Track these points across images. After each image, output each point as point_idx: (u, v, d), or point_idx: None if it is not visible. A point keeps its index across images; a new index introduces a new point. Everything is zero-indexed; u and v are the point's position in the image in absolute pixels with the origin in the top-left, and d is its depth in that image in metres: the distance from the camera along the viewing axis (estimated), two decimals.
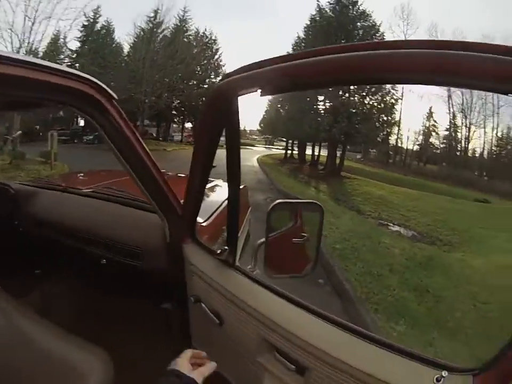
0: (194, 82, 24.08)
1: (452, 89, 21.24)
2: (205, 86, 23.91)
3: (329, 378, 0.72)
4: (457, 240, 7.55)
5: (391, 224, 8.17)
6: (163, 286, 1.21)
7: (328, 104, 16.06)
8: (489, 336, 2.95)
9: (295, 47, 18.61)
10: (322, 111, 16.43)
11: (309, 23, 18.59)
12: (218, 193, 2.01)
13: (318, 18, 18.08)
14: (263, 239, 0.87)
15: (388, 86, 15.77)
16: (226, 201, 0.98)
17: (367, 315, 2.94)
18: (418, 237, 7.52)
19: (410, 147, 23.45)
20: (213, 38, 25.35)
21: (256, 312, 0.82)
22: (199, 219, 1.16)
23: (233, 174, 0.85)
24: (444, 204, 11.15)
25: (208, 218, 1.45)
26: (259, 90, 0.68)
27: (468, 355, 2.28)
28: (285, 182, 10.79)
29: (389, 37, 19.40)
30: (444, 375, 0.62)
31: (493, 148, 21.81)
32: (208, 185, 1.51)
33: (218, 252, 0.93)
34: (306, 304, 0.79)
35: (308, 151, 19.50)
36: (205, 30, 25.11)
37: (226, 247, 0.92)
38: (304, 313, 0.77)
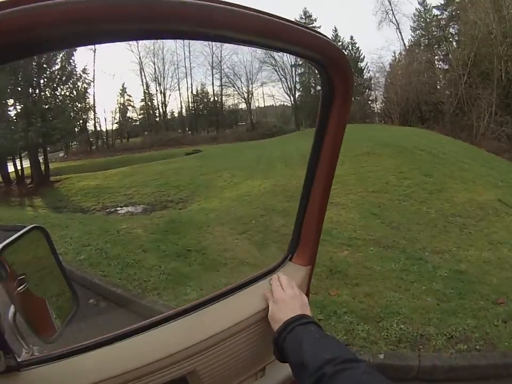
0: None
1: (144, 61, 22.72)
2: None
3: (207, 363, 0.74)
4: (187, 194, 7.82)
5: (119, 208, 7.89)
6: None
7: (19, 106, 12.72)
8: (279, 238, 3.87)
9: None
10: (14, 117, 12.74)
11: None
12: None
13: None
14: (11, 308, 0.65)
15: (79, 70, 14.47)
16: None
17: (157, 304, 2.98)
18: (149, 208, 7.49)
19: (110, 127, 22.87)
20: None
21: None
22: None
23: None
24: (159, 168, 11.38)
25: None
26: None
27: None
28: (1, 215, 8.21)
29: None
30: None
31: (191, 105, 24.77)
32: None
33: None
34: (124, 331, 0.71)
35: (13, 168, 14.59)
36: None
37: None
38: (133, 339, 0.71)
